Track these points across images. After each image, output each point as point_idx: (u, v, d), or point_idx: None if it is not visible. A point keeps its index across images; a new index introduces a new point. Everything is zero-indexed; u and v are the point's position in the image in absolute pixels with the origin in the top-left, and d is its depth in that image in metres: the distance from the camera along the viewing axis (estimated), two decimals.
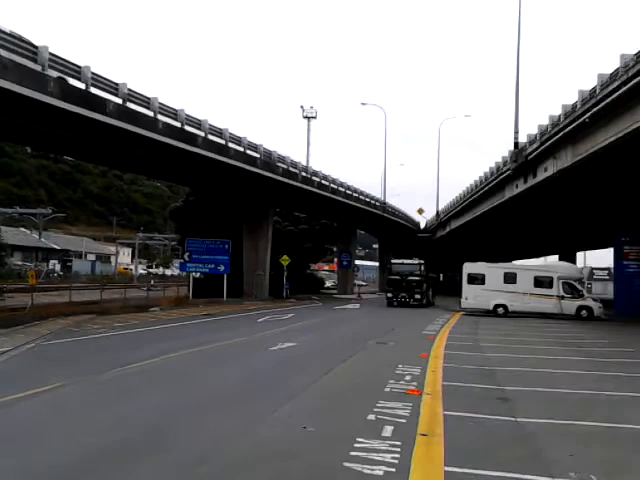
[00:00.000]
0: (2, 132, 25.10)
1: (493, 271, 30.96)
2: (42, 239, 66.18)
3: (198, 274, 38.01)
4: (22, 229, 70.27)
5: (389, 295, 37.73)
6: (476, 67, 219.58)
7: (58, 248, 70.87)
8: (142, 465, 5.89)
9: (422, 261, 38.78)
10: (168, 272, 79.71)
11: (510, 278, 30.26)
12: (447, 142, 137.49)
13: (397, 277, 37.32)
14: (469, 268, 31.71)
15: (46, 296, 28.93)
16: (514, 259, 58.89)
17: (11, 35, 18.10)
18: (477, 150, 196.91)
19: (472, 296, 30.62)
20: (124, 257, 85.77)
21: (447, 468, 5.80)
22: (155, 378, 10.85)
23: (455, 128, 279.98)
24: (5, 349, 13.46)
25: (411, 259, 40.12)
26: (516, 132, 31.22)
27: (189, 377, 10.96)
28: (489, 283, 30.35)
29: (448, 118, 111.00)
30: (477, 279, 30.91)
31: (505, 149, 33.19)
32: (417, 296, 36.58)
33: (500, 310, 29.92)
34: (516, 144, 30.79)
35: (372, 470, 5.69)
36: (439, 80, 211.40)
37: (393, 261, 40.31)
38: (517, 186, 32.06)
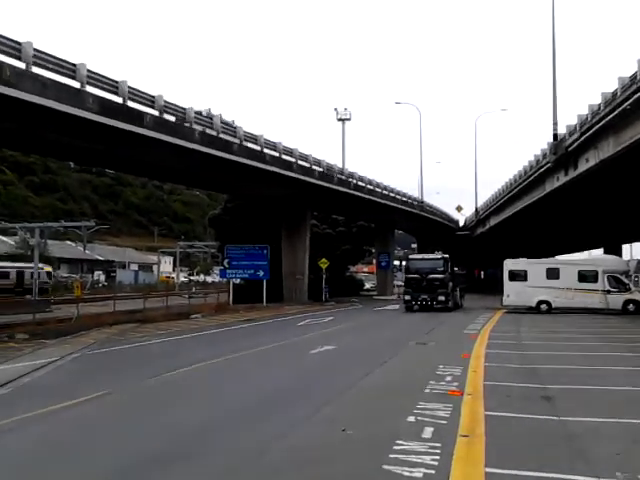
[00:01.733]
0: (46, 148, 25.99)
1: (535, 267, 30.34)
2: (87, 251, 67.87)
3: (238, 280, 38.37)
4: (68, 242, 72.25)
5: (407, 297, 32.12)
6: (511, 60, 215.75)
7: (102, 259, 72.66)
8: (181, 470, 5.98)
9: (446, 255, 33.22)
10: (209, 279, 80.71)
11: (553, 274, 29.58)
12: (484, 137, 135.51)
13: (416, 276, 31.91)
14: (510, 265, 31.14)
15: (91, 306, 29.66)
16: (557, 254, 57.84)
17: (51, 56, 18.69)
18: (516, 144, 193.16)
19: (514, 293, 30.05)
20: (166, 266, 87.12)
21: (488, 469, 5.71)
22: (198, 384, 11.03)
23: (492, 123, 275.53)
24: (53, 359, 13.87)
25: (433, 253, 34.90)
26: (555, 123, 30.61)
27: (231, 382, 11.10)
28: (531, 279, 29.74)
29: (484, 113, 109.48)
30: (519, 276, 30.32)
31: (544, 142, 32.52)
32: (441, 298, 31.06)
33: (543, 307, 29.27)
34: (555, 136, 30.15)
35: (411, 472, 5.64)
36: (474, 75, 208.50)
37: (411, 257, 35.32)
38: (558, 179, 31.42)
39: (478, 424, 7.39)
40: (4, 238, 62.19)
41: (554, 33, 31.86)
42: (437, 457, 6.07)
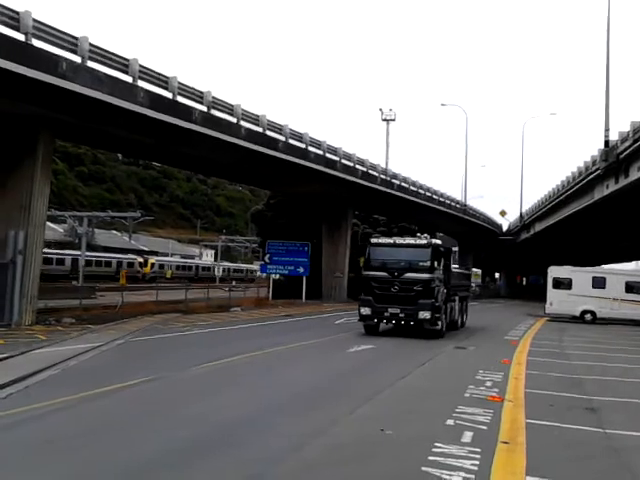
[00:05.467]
0: (96, 140, 26.64)
1: (580, 275, 29.61)
2: (132, 241, 69.55)
3: (278, 276, 38.68)
4: (114, 232, 74.12)
5: (364, 311, 19.22)
6: (562, 62, 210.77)
7: (146, 249, 74.22)
8: (218, 461, 6.05)
9: (437, 241, 20.17)
10: None
11: (599, 283, 28.83)
12: (532, 142, 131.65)
13: (383, 274, 18.78)
14: (555, 272, 30.46)
15: (135, 295, 30.35)
16: (602, 263, 56.36)
17: (106, 50, 19.15)
18: (564, 150, 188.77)
19: (557, 301, 29.40)
20: (207, 258, 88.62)
21: (529, 478, 5.63)
22: (236, 376, 11.15)
23: (540, 127, 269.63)
24: (97, 344, 14.25)
25: (413, 238, 20.64)
26: (606, 130, 29.77)
27: (269, 376, 11.20)
28: (576, 288, 29.04)
29: (532, 117, 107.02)
30: (563, 284, 29.64)
31: (594, 148, 31.65)
32: (424, 314, 17.96)
33: (588, 316, 28.57)
34: (606, 142, 29.34)
35: (450, 476, 5.61)
36: (522, 78, 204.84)
37: (374, 241, 20.07)
38: (607, 186, 30.58)
39: (519, 431, 7.28)
40: (54, 226, 64.20)
41: (609, 37, 30.92)
42: (477, 462, 6.01)
